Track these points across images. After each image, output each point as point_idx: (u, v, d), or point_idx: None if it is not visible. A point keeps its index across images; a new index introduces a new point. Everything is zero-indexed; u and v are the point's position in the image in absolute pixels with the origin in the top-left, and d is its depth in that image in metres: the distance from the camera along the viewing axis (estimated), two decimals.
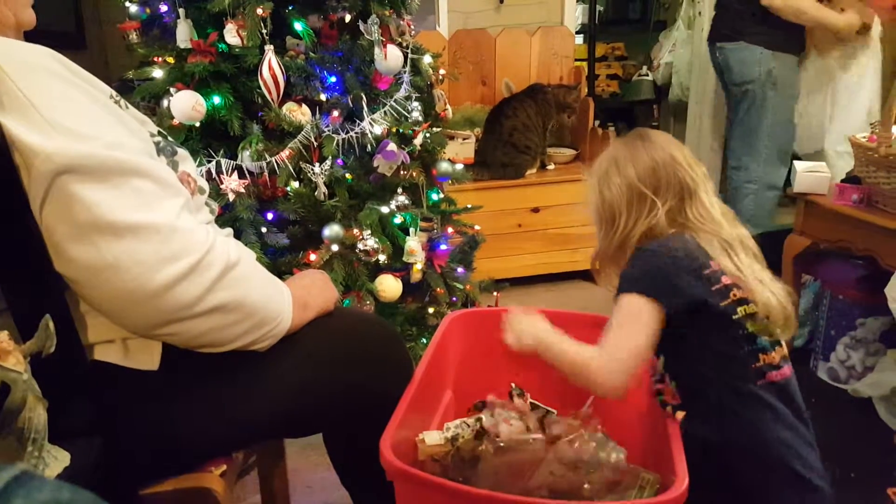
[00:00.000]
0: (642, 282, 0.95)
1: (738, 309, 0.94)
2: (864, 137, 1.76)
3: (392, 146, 1.54)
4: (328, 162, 1.49)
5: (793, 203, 2.10)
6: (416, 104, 1.69)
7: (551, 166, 2.77)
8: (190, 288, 0.73)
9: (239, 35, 1.42)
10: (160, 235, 0.71)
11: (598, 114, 3.32)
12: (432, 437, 1.04)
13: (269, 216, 1.50)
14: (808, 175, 1.88)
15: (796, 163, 1.92)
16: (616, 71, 4.27)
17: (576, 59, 3.14)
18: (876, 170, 1.72)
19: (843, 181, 1.81)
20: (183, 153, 0.89)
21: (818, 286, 2.11)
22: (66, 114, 0.69)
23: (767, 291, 0.97)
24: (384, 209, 1.56)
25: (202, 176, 1.31)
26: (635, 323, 0.94)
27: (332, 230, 1.47)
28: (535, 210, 2.67)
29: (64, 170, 0.67)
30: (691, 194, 1.02)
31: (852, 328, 1.91)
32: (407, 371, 1.02)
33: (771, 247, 1.98)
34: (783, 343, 0.99)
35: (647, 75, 4.10)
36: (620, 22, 4.20)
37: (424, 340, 1.64)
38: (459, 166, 1.86)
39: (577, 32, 3.82)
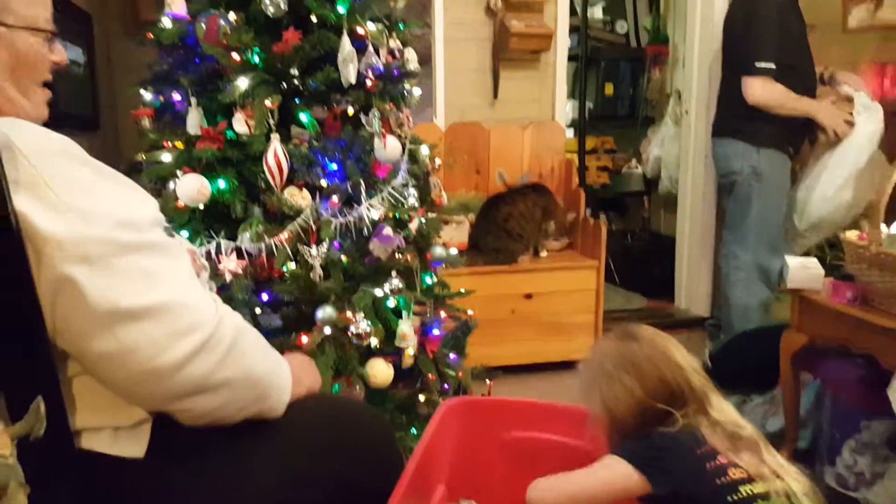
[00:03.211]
0: (638, 455, 0.95)
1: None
2: (856, 234, 1.77)
3: (388, 230, 1.58)
4: (325, 244, 1.53)
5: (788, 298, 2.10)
6: (412, 191, 1.75)
7: (544, 253, 2.82)
8: (201, 364, 0.75)
9: (247, 124, 1.48)
10: (171, 313, 0.73)
11: (588, 203, 3.42)
12: None
13: (264, 297, 1.52)
14: (801, 270, 1.88)
15: (788, 258, 1.95)
16: (606, 163, 4.43)
17: (567, 152, 3.27)
18: (868, 267, 1.68)
19: (836, 278, 1.81)
20: (181, 238, 0.92)
21: (818, 385, 2.05)
22: (79, 192, 0.72)
23: (790, 479, 0.94)
24: (378, 292, 1.58)
25: (203, 255, 1.34)
26: (601, 473, 0.95)
27: (325, 312, 1.48)
28: (528, 296, 2.69)
29: (74, 260, 0.69)
30: (705, 398, 1.01)
31: (857, 430, 1.81)
32: (398, 467, 1.00)
33: (768, 343, 2.01)
34: None
35: (637, 168, 4.25)
36: (609, 117, 4.40)
37: (414, 430, 1.62)
38: (453, 251, 1.89)
39: (568, 126, 4.00)
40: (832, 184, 2.45)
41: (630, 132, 4.37)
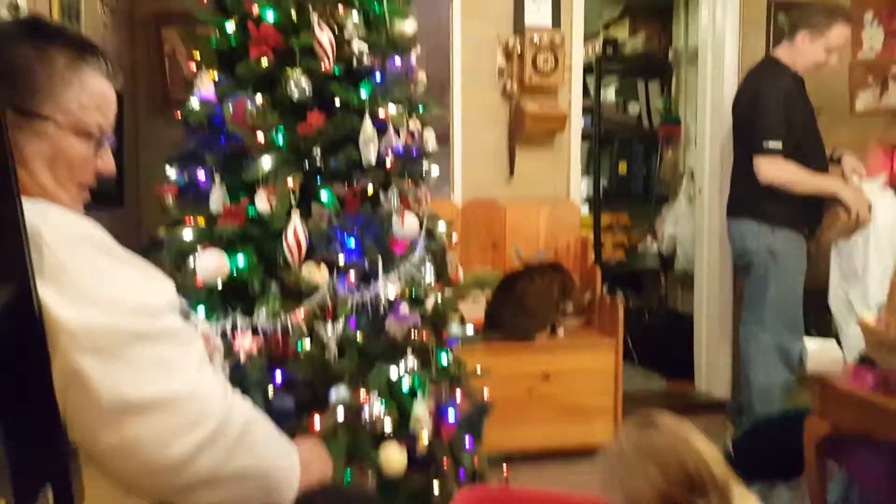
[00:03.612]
0: None
1: None
2: (874, 317, 1.75)
3: (404, 308, 1.57)
4: (341, 322, 1.52)
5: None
6: (429, 267, 1.75)
7: (561, 331, 2.78)
8: (209, 458, 0.73)
9: (269, 202, 1.51)
10: (179, 405, 0.72)
11: (605, 280, 3.40)
12: None
13: (278, 377, 1.49)
14: (820, 354, 1.85)
15: (806, 340, 1.91)
16: (622, 240, 4.44)
17: (582, 227, 3.28)
18: (889, 352, 1.67)
19: (856, 363, 1.78)
20: (197, 319, 0.92)
21: (845, 475, 1.97)
22: (98, 280, 0.72)
23: None
24: (393, 371, 1.55)
25: (217, 334, 1.33)
26: None
27: (339, 392, 1.45)
28: (546, 376, 2.64)
29: (86, 352, 0.69)
30: (727, 489, 0.97)
31: None
32: None
33: (791, 429, 1.93)
34: None
35: (652, 245, 4.25)
36: (623, 195, 4.44)
37: None
38: (469, 328, 1.87)
39: (583, 202, 4.03)
40: (882, 266, 2.42)
41: (645, 210, 4.40)
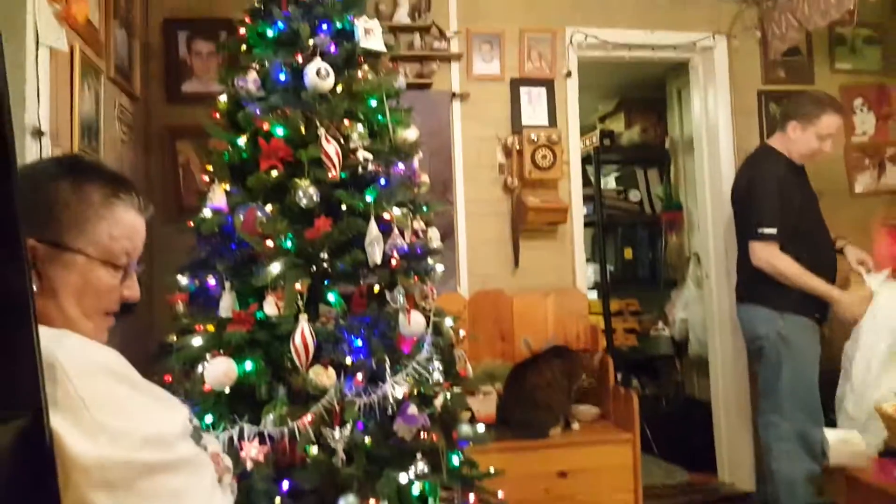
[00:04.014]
0: None
1: None
2: (893, 407, 1.71)
3: (413, 409, 1.56)
4: (349, 426, 1.50)
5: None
6: (437, 364, 1.75)
7: (576, 425, 2.72)
8: None
9: (277, 306, 1.54)
10: None
11: (619, 366, 3.34)
12: None
13: (285, 485, 1.46)
14: (842, 445, 1.79)
15: (827, 431, 1.86)
16: (633, 325, 4.40)
17: (592, 313, 3.26)
18: None
19: (881, 455, 1.72)
20: (208, 437, 0.93)
21: None
22: (112, 411, 0.73)
23: None
24: (403, 477, 1.52)
25: (224, 443, 1.32)
26: None
27: (347, 501, 1.42)
28: (562, 475, 2.55)
29: (97, 486, 0.70)
30: None
31: None
32: None
33: None
34: None
35: (664, 330, 4.21)
36: (631, 280, 4.45)
37: None
38: (481, 428, 1.84)
39: (591, 288, 4.04)
40: (870, 371, 2.37)
41: (653, 294, 4.39)
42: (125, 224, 0.89)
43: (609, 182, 4.79)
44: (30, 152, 1.63)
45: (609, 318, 4.11)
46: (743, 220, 2.65)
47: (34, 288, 0.76)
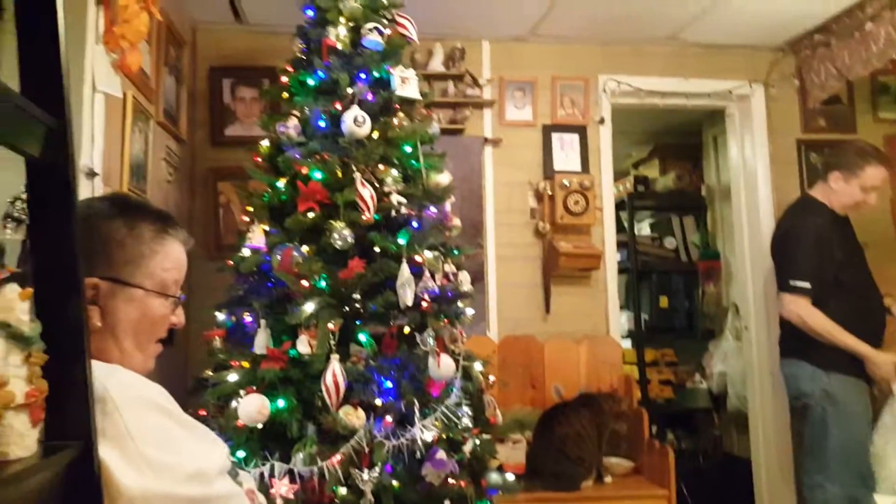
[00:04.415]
0: None
1: None
2: None
3: (441, 454, 1.54)
4: (377, 468, 1.49)
5: None
6: (466, 409, 1.73)
7: (608, 479, 2.63)
8: None
9: (310, 344, 1.56)
10: None
11: (654, 419, 3.24)
12: None
13: None
14: None
15: (877, 497, 1.76)
16: (668, 377, 4.28)
17: (625, 363, 3.20)
18: None
19: None
20: (244, 475, 0.94)
21: None
22: (158, 445, 0.77)
23: None
24: None
25: (255, 479, 1.33)
26: None
27: None
28: None
29: None
30: None
31: None
32: None
33: None
34: None
35: (702, 383, 4.09)
36: (666, 329, 4.35)
37: None
38: (510, 476, 1.81)
39: (624, 337, 3.96)
40: None
41: (690, 344, 4.28)
42: (174, 257, 0.95)
43: (643, 229, 4.76)
44: (82, 192, 1.71)
45: (643, 369, 4.01)
46: (778, 271, 2.60)
47: (98, 324, 0.81)
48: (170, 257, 0.94)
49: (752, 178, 3.33)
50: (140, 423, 0.77)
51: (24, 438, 0.55)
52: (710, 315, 4.23)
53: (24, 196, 1.41)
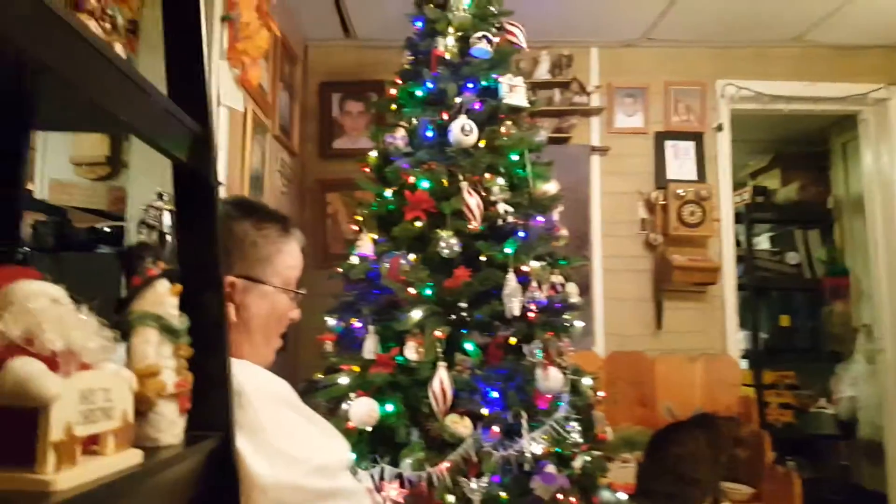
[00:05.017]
0: None
1: None
2: None
3: (551, 468, 1.49)
4: (485, 478, 1.46)
5: None
6: (574, 425, 1.67)
7: None
8: None
9: (417, 351, 1.56)
10: None
11: (773, 446, 3.00)
12: None
13: None
14: None
15: None
16: (789, 400, 3.97)
17: (741, 385, 2.99)
18: None
19: None
20: (362, 473, 0.96)
21: None
22: (287, 437, 0.80)
23: None
24: None
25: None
26: None
27: None
28: None
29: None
30: None
31: None
32: None
33: None
34: None
35: (828, 408, 3.75)
36: (787, 350, 4.04)
37: None
38: (622, 496, 1.72)
39: (741, 357, 3.71)
40: None
41: (814, 367, 3.95)
42: (295, 255, 1.00)
43: (761, 242, 4.45)
44: None
45: (761, 391, 3.74)
46: None
47: (234, 319, 0.85)
48: (293, 255, 0.98)
49: (889, 189, 3.05)
50: (271, 416, 0.79)
51: (173, 427, 0.57)
52: (837, 336, 3.88)
53: (156, 204, 1.52)
